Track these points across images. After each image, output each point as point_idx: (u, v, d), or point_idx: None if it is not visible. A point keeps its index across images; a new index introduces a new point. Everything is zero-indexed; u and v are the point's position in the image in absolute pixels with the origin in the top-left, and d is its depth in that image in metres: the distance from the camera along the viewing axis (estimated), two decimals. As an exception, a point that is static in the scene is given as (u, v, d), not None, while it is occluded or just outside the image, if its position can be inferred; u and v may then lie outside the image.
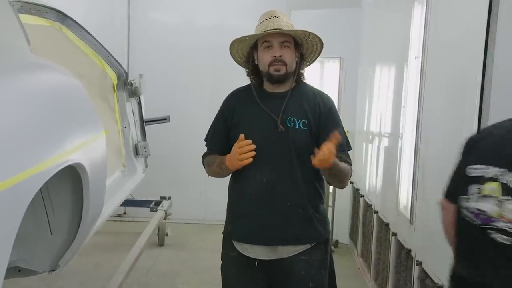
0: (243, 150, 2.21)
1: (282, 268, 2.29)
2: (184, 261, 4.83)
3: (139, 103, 3.51)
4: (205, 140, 2.48)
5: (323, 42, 2.29)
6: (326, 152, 2.01)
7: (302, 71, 2.34)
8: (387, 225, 3.67)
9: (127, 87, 3.26)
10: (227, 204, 2.44)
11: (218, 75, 6.10)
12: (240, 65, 2.42)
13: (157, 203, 5.29)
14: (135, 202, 5.32)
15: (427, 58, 2.89)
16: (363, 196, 4.65)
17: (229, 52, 2.36)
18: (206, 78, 6.14)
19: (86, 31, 2.83)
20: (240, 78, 5.70)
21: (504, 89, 2.06)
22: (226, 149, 2.35)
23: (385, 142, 4.04)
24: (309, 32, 2.23)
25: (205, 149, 2.48)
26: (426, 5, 2.93)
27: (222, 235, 2.44)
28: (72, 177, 1.80)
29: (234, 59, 2.40)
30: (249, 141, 2.21)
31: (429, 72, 2.88)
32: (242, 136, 2.22)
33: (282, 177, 2.23)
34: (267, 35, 2.22)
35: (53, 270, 1.94)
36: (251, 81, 2.37)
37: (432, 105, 2.84)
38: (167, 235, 5.28)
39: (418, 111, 2.99)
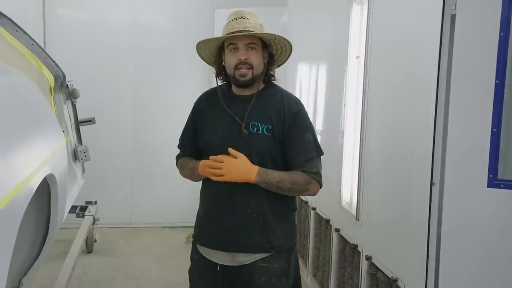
0: (215, 160, 2.18)
1: (243, 274, 2.26)
2: (117, 267, 4.66)
3: (74, 105, 3.34)
4: (179, 141, 2.43)
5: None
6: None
7: (272, 72, 2.31)
8: (327, 221, 3.74)
9: (64, 89, 3.09)
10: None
11: (140, 74, 5.98)
12: (211, 66, 2.36)
13: (83, 208, 5.07)
14: (59, 209, 5.06)
15: (370, 57, 2.97)
16: (296, 193, 4.69)
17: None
18: (128, 77, 5.98)
19: (22, 30, 2.64)
20: (164, 77, 5.62)
21: (462, 87, 2.17)
22: (196, 152, 2.32)
23: (320, 139, 4.10)
24: (275, 35, 2.20)
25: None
26: (368, 6, 3.00)
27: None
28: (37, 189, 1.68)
29: (203, 59, 2.34)
30: (221, 164, 2.16)
31: (373, 71, 2.96)
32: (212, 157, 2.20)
33: (243, 183, 2.17)
34: (232, 37, 2.18)
35: (15, 289, 1.80)
36: (217, 83, 2.32)
37: (377, 103, 2.93)
38: (95, 241, 5.08)
39: (362, 109, 3.07)
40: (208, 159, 2.21)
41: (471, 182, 2.20)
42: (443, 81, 2.21)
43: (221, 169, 2.15)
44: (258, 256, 2.24)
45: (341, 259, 3.48)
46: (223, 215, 2.25)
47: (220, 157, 2.17)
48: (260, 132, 2.22)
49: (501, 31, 2.10)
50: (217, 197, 2.26)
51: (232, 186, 2.19)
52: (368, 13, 3.00)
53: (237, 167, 2.15)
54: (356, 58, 3.28)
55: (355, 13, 3.30)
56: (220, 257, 2.27)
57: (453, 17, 2.18)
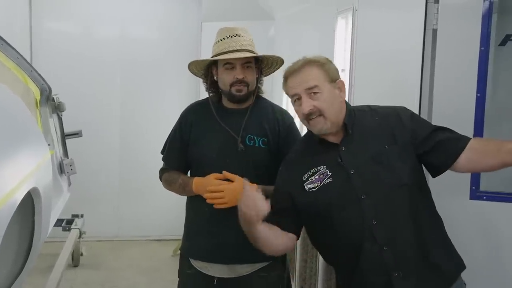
0: (215, 190, 2.15)
1: (241, 286, 2.27)
2: (103, 281, 4.64)
3: (60, 118, 3.34)
4: (161, 153, 2.41)
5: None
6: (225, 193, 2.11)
7: (260, 86, 2.33)
8: (314, 233, 3.74)
9: (50, 102, 3.09)
10: (185, 220, 2.38)
11: (128, 87, 5.97)
12: (200, 77, 2.36)
13: (69, 222, 5.04)
14: (45, 222, 5.03)
15: (355, 70, 3.00)
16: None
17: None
18: (115, 90, 5.97)
19: (8, 43, 2.64)
20: (152, 90, 5.52)
21: (444, 100, 2.20)
22: (183, 165, 2.31)
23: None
24: (273, 56, 2.24)
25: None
26: (352, 19, 3.03)
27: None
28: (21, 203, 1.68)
29: (192, 73, 2.35)
30: (222, 194, 2.15)
31: (358, 84, 2.98)
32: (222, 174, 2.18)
33: None
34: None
35: (-3, 305, 1.78)
36: (209, 96, 2.32)
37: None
38: (82, 254, 5.04)
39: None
40: (201, 173, 2.20)
41: (453, 194, 2.22)
42: (426, 94, 2.25)
43: (223, 197, 2.14)
44: (258, 266, 2.26)
45: (327, 270, 3.47)
46: (220, 227, 2.24)
47: (219, 187, 2.15)
48: (256, 145, 2.24)
49: (481, 45, 2.14)
50: (213, 210, 2.22)
51: None
52: (352, 27, 3.03)
53: (238, 192, 2.11)
54: (342, 71, 3.30)
55: (340, 27, 3.33)
56: (217, 270, 2.28)
57: (434, 32, 2.23)
